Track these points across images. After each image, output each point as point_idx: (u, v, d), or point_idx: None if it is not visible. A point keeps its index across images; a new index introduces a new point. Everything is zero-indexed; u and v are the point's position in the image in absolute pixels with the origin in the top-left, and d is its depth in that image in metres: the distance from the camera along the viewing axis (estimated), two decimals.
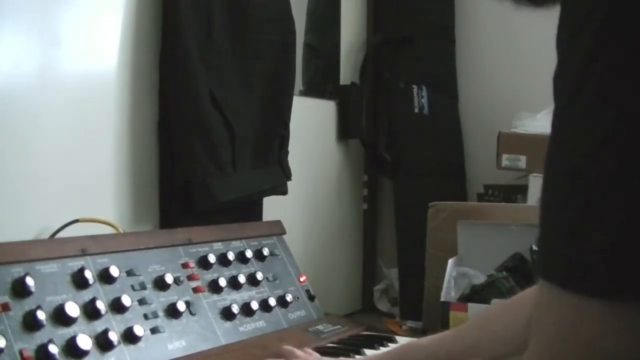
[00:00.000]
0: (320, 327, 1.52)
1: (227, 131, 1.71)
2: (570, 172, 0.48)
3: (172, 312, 1.26)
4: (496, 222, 1.89)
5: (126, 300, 1.18)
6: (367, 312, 2.42)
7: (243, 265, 1.49)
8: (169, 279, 1.28)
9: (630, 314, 0.45)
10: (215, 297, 1.38)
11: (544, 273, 0.50)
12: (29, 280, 1.06)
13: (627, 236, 0.45)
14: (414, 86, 2.44)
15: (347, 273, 2.45)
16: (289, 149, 1.91)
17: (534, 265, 1.66)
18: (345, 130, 2.38)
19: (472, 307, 1.62)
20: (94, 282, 1.17)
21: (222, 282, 1.40)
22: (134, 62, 1.59)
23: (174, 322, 1.26)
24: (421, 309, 1.88)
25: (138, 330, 1.17)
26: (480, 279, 1.73)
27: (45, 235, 1.37)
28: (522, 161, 2.11)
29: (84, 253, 1.19)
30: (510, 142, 2.13)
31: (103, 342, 1.11)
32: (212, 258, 1.41)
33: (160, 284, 1.28)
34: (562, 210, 0.49)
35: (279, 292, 1.53)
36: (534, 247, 1.65)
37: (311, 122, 2.24)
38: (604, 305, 0.46)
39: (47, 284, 1.10)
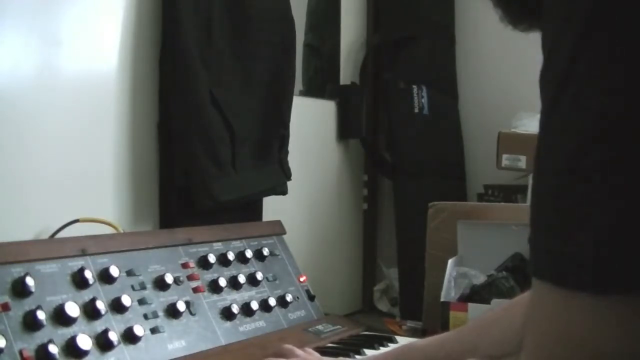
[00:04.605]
0: (320, 327, 1.52)
1: (227, 131, 1.71)
2: (556, 170, 0.49)
3: (172, 312, 1.26)
4: (496, 222, 1.89)
5: (126, 300, 1.18)
6: (367, 312, 2.42)
7: (243, 265, 1.49)
8: (169, 279, 1.28)
9: (620, 307, 0.46)
10: (215, 297, 1.38)
11: (535, 270, 0.51)
12: (29, 280, 1.06)
13: (614, 230, 0.46)
14: (414, 86, 2.44)
15: (347, 273, 2.45)
16: (289, 149, 1.91)
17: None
18: (345, 130, 2.38)
19: (472, 307, 1.63)
20: (94, 282, 1.17)
21: (222, 282, 1.40)
22: (134, 62, 1.59)
23: (174, 322, 1.26)
24: (421, 309, 1.88)
25: (138, 330, 1.17)
26: (480, 279, 1.73)
27: (45, 235, 1.37)
28: (522, 161, 2.11)
29: (84, 253, 1.19)
30: (510, 142, 2.13)
31: (103, 342, 1.11)
32: (212, 258, 1.41)
33: (160, 284, 1.28)
34: (550, 207, 0.50)
35: (279, 292, 1.53)
36: None
37: (311, 122, 2.24)
38: (594, 300, 0.46)
39: (47, 284, 1.10)
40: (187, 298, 1.31)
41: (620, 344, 0.46)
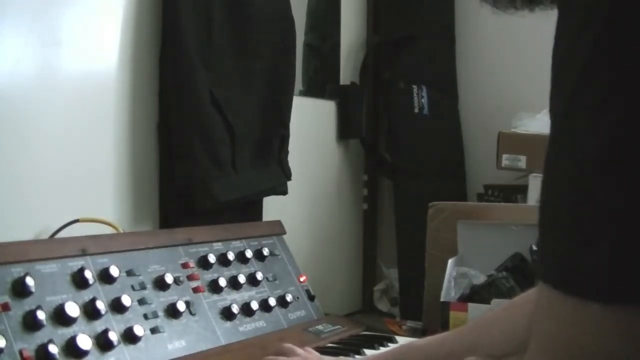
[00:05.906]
0: (320, 327, 1.52)
1: (227, 131, 1.71)
2: (569, 176, 0.49)
3: (172, 312, 1.26)
4: (496, 222, 1.89)
5: (126, 300, 1.18)
6: (367, 312, 2.42)
7: (243, 265, 1.49)
8: (169, 279, 1.28)
9: (628, 317, 0.46)
10: (215, 297, 1.38)
11: (544, 275, 0.50)
12: (29, 280, 1.06)
13: (626, 241, 0.46)
14: (414, 86, 2.44)
15: (347, 273, 2.45)
16: (289, 149, 1.91)
17: (534, 266, 1.66)
18: (345, 130, 2.38)
19: (472, 307, 1.62)
20: (94, 282, 1.16)
21: (222, 282, 1.40)
22: (134, 62, 1.59)
23: (174, 322, 1.26)
24: (421, 309, 1.88)
25: (138, 330, 1.17)
26: (480, 279, 1.73)
27: (45, 235, 1.37)
28: (522, 161, 2.11)
29: (84, 253, 1.19)
30: (510, 142, 2.13)
31: (103, 342, 1.11)
32: (212, 258, 1.40)
33: (160, 284, 1.28)
34: (562, 213, 0.49)
35: (279, 292, 1.53)
36: (534, 247, 1.65)
37: (311, 122, 2.24)
38: (602, 309, 0.46)
39: (47, 284, 1.10)
40: (187, 298, 1.31)
41: (625, 353, 0.46)
